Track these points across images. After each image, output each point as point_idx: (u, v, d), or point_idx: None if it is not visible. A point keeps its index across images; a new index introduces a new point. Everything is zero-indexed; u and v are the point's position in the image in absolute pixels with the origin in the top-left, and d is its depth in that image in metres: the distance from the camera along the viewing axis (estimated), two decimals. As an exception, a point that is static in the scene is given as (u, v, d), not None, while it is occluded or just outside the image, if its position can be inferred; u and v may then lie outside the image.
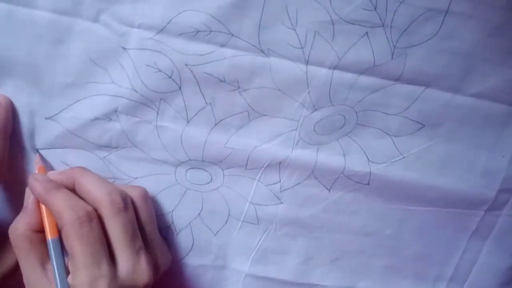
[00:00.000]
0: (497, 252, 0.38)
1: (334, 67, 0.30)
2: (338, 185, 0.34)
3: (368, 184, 0.34)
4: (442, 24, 0.29)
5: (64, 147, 0.32)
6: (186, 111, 0.31)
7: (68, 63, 0.29)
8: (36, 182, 0.29)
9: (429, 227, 0.37)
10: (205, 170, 0.33)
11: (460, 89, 0.31)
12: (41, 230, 0.29)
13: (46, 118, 0.31)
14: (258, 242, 0.36)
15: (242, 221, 0.35)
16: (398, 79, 0.31)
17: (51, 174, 0.30)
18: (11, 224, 0.29)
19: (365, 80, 0.31)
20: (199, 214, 0.35)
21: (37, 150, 0.32)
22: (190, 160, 0.33)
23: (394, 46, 0.30)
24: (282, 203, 0.35)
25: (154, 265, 0.30)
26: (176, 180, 0.33)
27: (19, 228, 0.28)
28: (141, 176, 0.33)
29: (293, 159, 0.33)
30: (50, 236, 0.28)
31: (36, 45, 0.29)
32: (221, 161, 0.33)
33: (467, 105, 0.32)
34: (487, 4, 0.29)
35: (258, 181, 0.34)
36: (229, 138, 0.32)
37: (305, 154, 0.33)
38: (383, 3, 0.28)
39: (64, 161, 0.32)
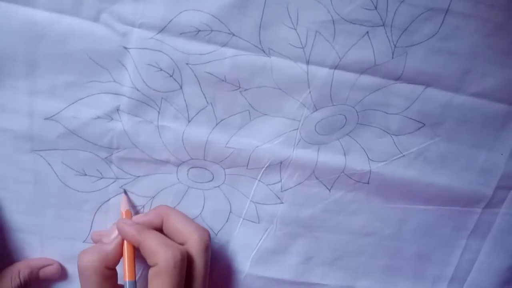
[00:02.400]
0: (497, 252, 0.38)
1: (335, 67, 0.30)
2: (338, 185, 0.34)
3: (368, 183, 0.34)
4: (442, 23, 0.29)
5: (65, 148, 0.31)
6: (187, 110, 0.31)
7: (69, 62, 0.29)
8: (126, 225, 0.30)
9: (429, 227, 0.37)
10: (207, 169, 0.33)
11: (460, 88, 0.32)
12: (113, 268, 0.31)
13: (46, 118, 0.30)
14: (259, 242, 0.36)
15: (243, 219, 0.35)
16: (398, 78, 0.31)
17: (137, 218, 0.32)
18: (82, 255, 0.30)
19: (365, 79, 0.31)
20: (200, 213, 0.35)
21: (124, 191, 0.33)
22: (192, 159, 0.33)
23: (395, 46, 0.30)
24: (282, 203, 0.35)
25: None
26: (178, 178, 0.33)
27: (94, 262, 0.29)
28: (143, 175, 0.33)
29: (294, 159, 0.33)
30: (129, 278, 0.30)
31: (36, 44, 0.28)
32: (222, 161, 0.33)
33: (467, 104, 0.32)
34: (487, 4, 0.29)
35: (259, 180, 0.34)
36: (230, 137, 0.32)
37: (306, 154, 0.33)
38: (384, 2, 0.29)
39: (65, 162, 0.32)
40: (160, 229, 0.32)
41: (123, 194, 0.33)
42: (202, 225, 0.32)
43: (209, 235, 0.31)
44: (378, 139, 0.33)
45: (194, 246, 0.30)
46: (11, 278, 0.32)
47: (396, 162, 0.34)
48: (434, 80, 0.31)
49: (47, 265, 0.34)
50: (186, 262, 0.29)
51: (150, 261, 0.29)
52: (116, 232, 0.31)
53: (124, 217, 0.32)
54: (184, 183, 0.34)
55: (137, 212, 0.34)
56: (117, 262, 0.31)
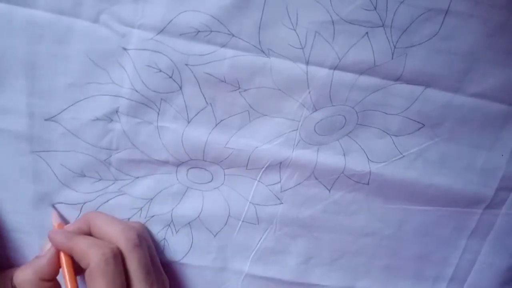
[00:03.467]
0: (497, 252, 0.38)
1: (335, 67, 0.30)
2: (338, 185, 0.34)
3: (368, 183, 0.34)
4: (442, 24, 0.29)
5: (64, 149, 0.31)
6: (187, 111, 0.31)
7: (68, 63, 0.29)
8: (56, 234, 0.31)
9: (429, 227, 0.37)
10: (206, 170, 0.33)
11: (460, 89, 0.32)
12: (50, 280, 0.30)
13: (46, 119, 0.30)
14: (258, 242, 0.36)
15: (242, 221, 0.35)
16: (398, 79, 0.31)
17: (66, 228, 0.32)
18: (16, 272, 0.30)
19: (365, 80, 0.31)
20: (198, 216, 0.35)
21: (53, 206, 0.33)
22: (191, 160, 0.33)
23: (394, 46, 0.30)
24: (282, 203, 0.35)
25: None
26: (177, 179, 0.33)
27: (28, 276, 0.30)
28: (142, 175, 0.33)
29: (293, 160, 0.33)
30: (70, 286, 0.30)
31: (36, 45, 0.28)
32: (222, 161, 0.33)
33: (467, 105, 0.32)
34: (487, 4, 0.29)
35: (259, 181, 0.34)
36: (230, 138, 0.32)
37: (306, 155, 0.33)
38: (383, 3, 0.28)
39: (64, 164, 0.32)
40: (90, 235, 0.32)
41: (52, 209, 0.33)
42: (131, 224, 0.32)
43: (136, 233, 0.31)
44: (378, 140, 0.33)
45: (122, 247, 0.30)
46: (3, 285, 0.32)
47: (396, 162, 0.34)
48: (434, 80, 0.31)
49: None
50: (120, 259, 0.29)
51: (82, 264, 0.29)
52: (49, 244, 0.31)
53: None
54: (183, 183, 0.34)
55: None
56: (53, 273, 0.30)
